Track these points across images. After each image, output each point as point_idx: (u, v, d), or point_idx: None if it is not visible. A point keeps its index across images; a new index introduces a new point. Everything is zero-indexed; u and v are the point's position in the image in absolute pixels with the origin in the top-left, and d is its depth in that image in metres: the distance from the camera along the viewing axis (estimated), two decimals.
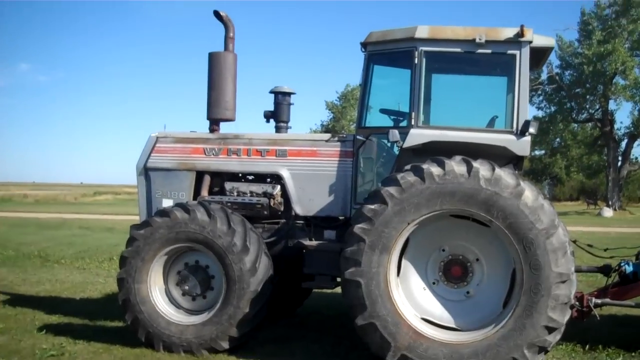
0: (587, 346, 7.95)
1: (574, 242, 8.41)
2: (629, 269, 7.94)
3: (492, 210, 6.38)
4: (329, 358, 7.44)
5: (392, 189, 6.53)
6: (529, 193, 6.40)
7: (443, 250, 6.96)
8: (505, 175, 6.44)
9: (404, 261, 6.89)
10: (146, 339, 7.51)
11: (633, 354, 7.68)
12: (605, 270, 8.20)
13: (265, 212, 8.32)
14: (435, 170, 6.49)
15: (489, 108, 8.19)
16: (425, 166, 6.53)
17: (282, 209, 8.41)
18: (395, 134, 7.39)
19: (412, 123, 7.44)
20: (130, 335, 7.63)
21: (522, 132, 7.28)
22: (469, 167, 6.45)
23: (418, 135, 7.39)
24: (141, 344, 7.52)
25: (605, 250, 8.54)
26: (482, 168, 6.46)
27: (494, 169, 6.45)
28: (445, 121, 8.37)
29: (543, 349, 6.37)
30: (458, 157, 6.61)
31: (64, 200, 66.74)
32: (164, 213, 7.61)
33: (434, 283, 6.95)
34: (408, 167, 6.72)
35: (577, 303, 7.50)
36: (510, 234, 6.36)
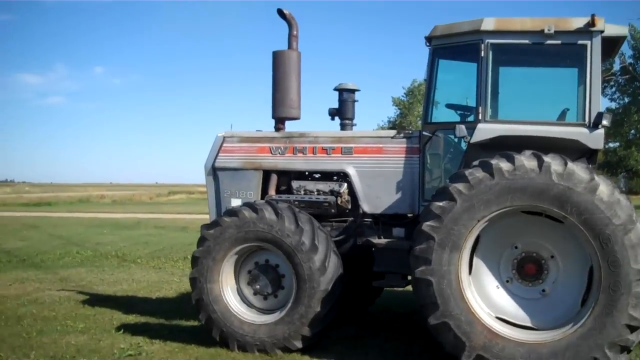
0: None
1: None
2: None
3: (565, 205, 6.18)
4: (403, 357, 7.39)
5: (460, 186, 6.42)
6: (604, 187, 6.17)
7: (516, 247, 6.78)
8: (579, 170, 6.23)
9: (475, 259, 6.76)
10: (220, 338, 7.63)
11: None
12: None
13: (333, 210, 8.32)
14: (504, 165, 6.34)
15: (559, 101, 7.95)
16: (494, 162, 6.39)
17: (349, 206, 8.40)
18: (462, 129, 7.26)
19: (480, 118, 7.30)
20: (205, 334, 7.77)
21: (595, 125, 7.04)
22: (540, 162, 6.27)
23: (486, 130, 7.23)
24: (216, 343, 7.64)
25: None
26: (553, 162, 6.26)
27: (566, 164, 6.25)
28: (513, 115, 8.17)
29: (625, 348, 6.14)
30: (528, 152, 6.43)
31: (139, 200, 68.86)
32: (232, 213, 7.71)
33: (507, 281, 6.79)
34: (476, 163, 6.58)
35: None
36: (586, 230, 6.15)
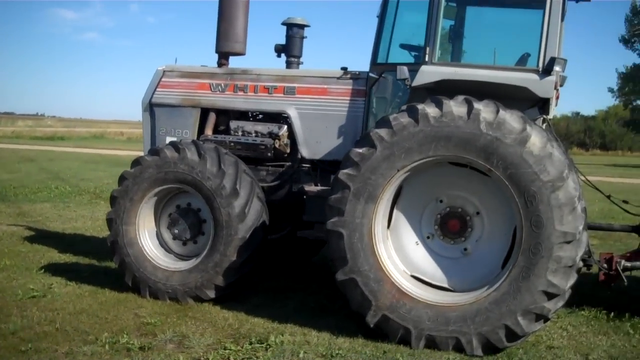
0: (612, 314, 7.10)
1: (608, 197, 7.56)
2: None
3: (491, 158, 5.62)
4: (321, 312, 6.94)
5: (382, 132, 5.87)
6: (537, 139, 5.59)
7: (440, 201, 6.24)
8: (511, 119, 5.65)
9: (395, 212, 6.24)
10: (133, 284, 7.23)
11: None
12: None
13: (269, 154, 7.83)
14: (431, 111, 5.77)
15: (520, 45, 7.31)
16: (420, 106, 5.82)
17: (288, 151, 7.91)
18: (403, 71, 6.68)
19: (426, 59, 6.71)
20: (121, 279, 7.35)
21: (546, 71, 6.42)
22: (470, 108, 5.69)
23: (428, 73, 6.63)
24: (129, 288, 7.25)
25: None
26: (484, 110, 5.68)
27: (498, 111, 5.67)
28: (468, 59, 7.62)
29: (542, 317, 5.63)
30: (461, 97, 5.86)
31: None
32: (154, 152, 7.24)
33: (428, 237, 6.27)
34: (404, 107, 6.03)
35: (605, 265, 6.79)
36: (511, 185, 5.60)
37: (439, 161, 5.92)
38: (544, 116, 6.81)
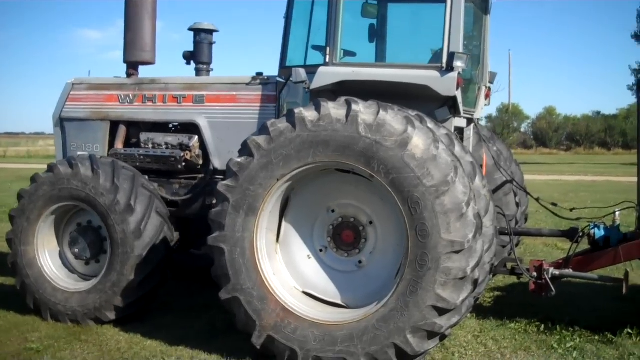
0: (544, 326, 6.58)
1: (537, 199, 7.08)
2: (599, 233, 6.49)
3: (372, 163, 5.16)
4: (224, 332, 6.45)
5: (260, 139, 5.44)
6: (420, 141, 5.12)
7: (332, 211, 5.79)
8: (393, 120, 5.19)
9: (284, 224, 5.80)
10: (34, 306, 6.89)
11: (597, 336, 6.27)
12: (571, 234, 6.74)
13: (180, 166, 7.43)
14: (308, 114, 5.33)
15: (428, 42, 6.89)
16: (298, 110, 5.38)
17: (200, 162, 7.52)
18: (300, 73, 6.31)
19: (327, 60, 6.31)
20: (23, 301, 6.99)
21: (447, 68, 6.00)
22: (349, 111, 5.25)
23: (326, 75, 6.26)
24: (32, 311, 6.90)
25: (572, 210, 7.03)
26: (364, 111, 5.23)
27: (378, 112, 5.21)
28: (391, 59, 7.20)
29: (434, 334, 5.14)
30: (342, 99, 5.41)
31: None
32: (50, 168, 6.89)
33: (321, 250, 5.81)
34: (285, 111, 5.61)
35: (534, 274, 6.30)
36: (394, 192, 5.13)
37: (323, 168, 5.48)
38: (455, 116, 6.37)
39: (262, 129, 5.51)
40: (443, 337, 5.34)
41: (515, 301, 7.54)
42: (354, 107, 5.23)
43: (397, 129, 5.14)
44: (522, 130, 76.78)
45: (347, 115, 5.22)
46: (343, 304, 5.64)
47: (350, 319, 5.31)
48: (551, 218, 7.33)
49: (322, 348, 5.27)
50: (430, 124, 5.73)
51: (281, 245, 5.78)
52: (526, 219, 8.22)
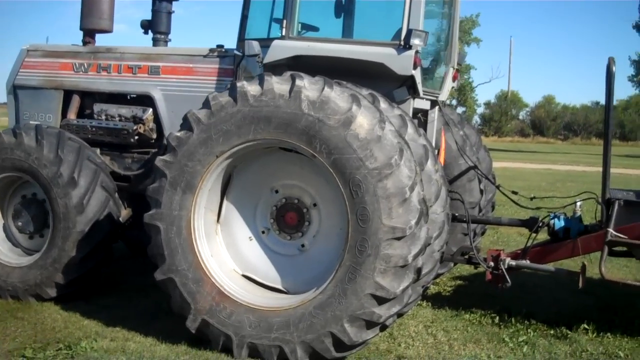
0: (498, 318, 6.35)
1: (498, 187, 6.84)
2: (558, 224, 6.25)
3: (314, 141, 4.90)
4: (168, 314, 6.17)
5: (200, 113, 5.17)
6: (364, 121, 4.85)
7: (276, 191, 5.52)
8: (338, 97, 4.92)
9: (226, 203, 5.53)
10: None
11: (552, 330, 6.05)
12: (530, 224, 6.50)
13: (132, 140, 7.15)
14: (251, 89, 5.05)
15: (396, 20, 6.58)
16: (240, 84, 5.10)
17: (154, 136, 7.24)
18: (252, 46, 6.04)
19: (284, 34, 6.05)
20: None
21: (405, 45, 5.72)
22: (292, 86, 4.97)
23: (280, 48, 6.01)
24: None
25: (532, 199, 6.78)
26: (308, 87, 4.95)
27: (323, 89, 4.94)
28: (358, 35, 6.92)
29: (373, 324, 4.90)
30: (288, 73, 5.14)
31: None
32: None
33: (263, 232, 5.55)
34: (229, 85, 5.34)
35: (491, 264, 6.07)
36: (335, 173, 4.87)
37: (266, 146, 5.21)
38: (414, 97, 6.11)
39: (204, 103, 5.23)
40: (383, 327, 5.11)
41: (475, 291, 7.30)
42: (297, 82, 4.96)
43: (341, 107, 4.87)
44: (520, 118, 76.49)
45: (291, 91, 4.95)
46: (283, 289, 5.40)
47: (287, 305, 5.07)
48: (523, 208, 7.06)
49: (258, 334, 5.04)
50: (383, 104, 5.48)
51: (222, 225, 5.52)
52: (493, 207, 7.96)
